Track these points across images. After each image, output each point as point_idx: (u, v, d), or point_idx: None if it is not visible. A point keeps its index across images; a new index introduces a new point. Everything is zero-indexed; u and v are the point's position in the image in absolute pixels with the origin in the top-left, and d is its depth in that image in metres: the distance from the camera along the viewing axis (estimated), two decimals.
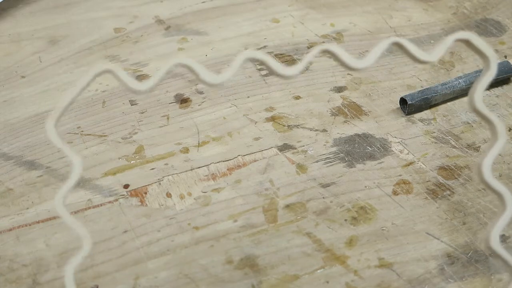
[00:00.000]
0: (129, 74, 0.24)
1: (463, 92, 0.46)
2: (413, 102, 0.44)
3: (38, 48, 0.52)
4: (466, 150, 0.41)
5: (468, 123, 0.44)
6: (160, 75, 0.24)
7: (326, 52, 0.24)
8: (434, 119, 0.44)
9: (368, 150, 0.42)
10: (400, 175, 0.40)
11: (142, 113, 0.45)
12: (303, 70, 0.25)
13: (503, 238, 0.35)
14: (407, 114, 0.44)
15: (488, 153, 0.24)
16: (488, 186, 0.25)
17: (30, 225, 0.37)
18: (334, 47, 0.24)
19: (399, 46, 0.25)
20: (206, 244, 0.36)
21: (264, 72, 0.49)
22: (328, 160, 0.41)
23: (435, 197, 0.38)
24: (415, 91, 0.45)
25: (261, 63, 0.24)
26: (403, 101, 0.45)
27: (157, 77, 0.24)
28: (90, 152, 0.42)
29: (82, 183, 0.39)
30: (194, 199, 0.38)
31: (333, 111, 0.45)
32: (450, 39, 0.25)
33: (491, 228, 0.24)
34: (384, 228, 0.36)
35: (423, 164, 0.40)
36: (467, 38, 0.25)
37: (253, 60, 0.24)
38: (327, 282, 0.33)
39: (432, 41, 0.51)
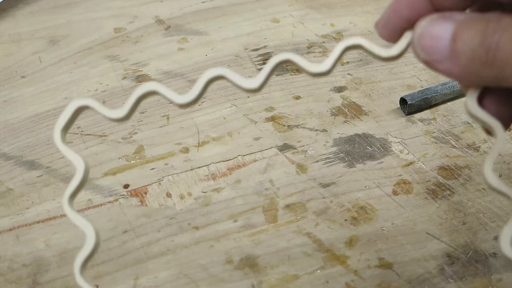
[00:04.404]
0: (104, 105, 0.24)
1: (463, 92, 0.46)
2: (413, 102, 0.44)
3: (38, 48, 0.52)
4: (466, 150, 0.41)
5: (468, 123, 0.44)
6: (130, 103, 0.24)
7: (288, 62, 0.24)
8: (434, 119, 0.44)
9: (368, 150, 0.42)
10: (400, 175, 0.40)
11: (142, 113, 0.45)
12: (265, 82, 0.24)
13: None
14: (407, 114, 0.44)
15: (487, 157, 0.24)
16: (496, 190, 0.24)
17: (30, 225, 0.37)
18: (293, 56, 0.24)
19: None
20: (206, 244, 0.36)
21: None
22: (328, 160, 0.41)
23: (435, 197, 0.38)
24: (415, 91, 0.45)
25: (227, 80, 0.24)
26: (403, 101, 0.45)
27: (129, 105, 0.24)
28: (90, 152, 0.42)
29: None
30: (194, 199, 0.38)
31: (333, 111, 0.45)
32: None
33: (500, 233, 0.23)
34: (384, 228, 0.36)
35: (423, 164, 0.40)
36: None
37: (219, 78, 0.24)
38: (327, 282, 0.33)
39: None
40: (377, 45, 0.24)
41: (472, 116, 0.24)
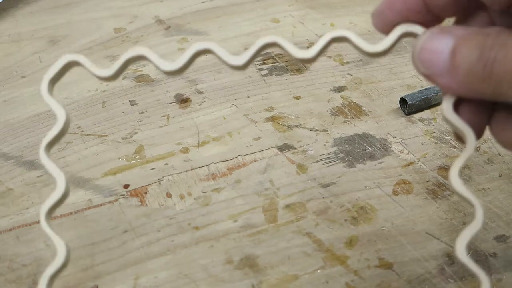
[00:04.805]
0: (93, 64, 0.25)
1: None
2: (413, 102, 0.44)
3: (38, 48, 0.52)
4: None
5: None
6: (119, 64, 0.24)
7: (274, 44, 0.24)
8: (434, 119, 0.44)
9: (368, 150, 0.42)
10: (400, 175, 0.40)
11: (142, 113, 0.45)
12: (250, 61, 0.25)
13: (503, 238, 0.35)
14: (407, 114, 0.44)
15: (455, 162, 0.24)
16: (459, 195, 0.25)
17: (30, 225, 0.37)
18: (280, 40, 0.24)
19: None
20: (206, 244, 0.36)
21: (264, 72, 0.49)
22: (328, 160, 0.41)
23: (435, 197, 0.38)
24: (415, 91, 0.45)
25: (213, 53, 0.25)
26: (403, 101, 0.45)
27: (117, 65, 0.24)
28: (90, 152, 0.42)
29: (82, 183, 0.39)
30: (194, 199, 0.38)
31: (333, 111, 0.45)
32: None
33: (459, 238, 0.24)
34: (384, 228, 0.36)
35: (423, 164, 0.40)
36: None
37: (207, 52, 0.25)
38: (327, 282, 0.33)
39: None
40: (363, 40, 0.24)
41: (447, 121, 0.24)
